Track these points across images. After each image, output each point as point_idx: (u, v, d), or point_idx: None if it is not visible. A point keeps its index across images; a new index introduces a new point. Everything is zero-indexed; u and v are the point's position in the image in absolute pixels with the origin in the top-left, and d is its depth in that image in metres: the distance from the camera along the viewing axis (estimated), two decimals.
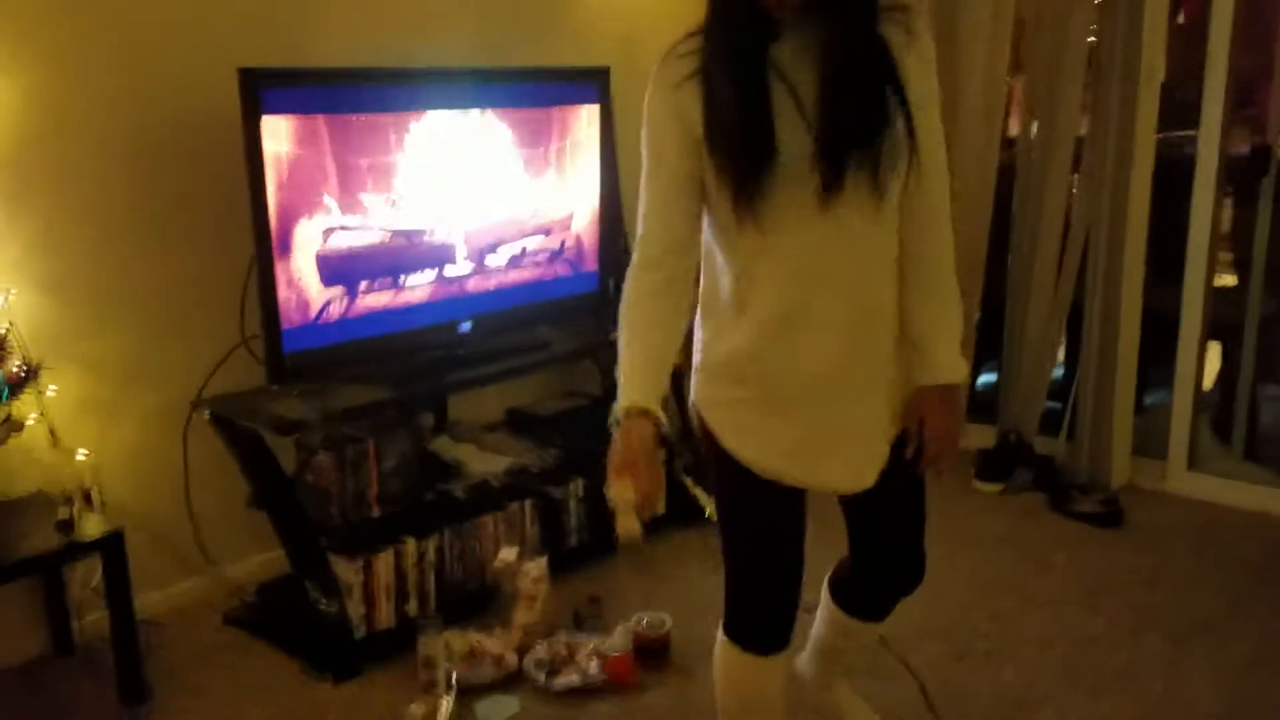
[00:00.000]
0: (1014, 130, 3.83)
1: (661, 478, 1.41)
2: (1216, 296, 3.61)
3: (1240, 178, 3.63)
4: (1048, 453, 3.74)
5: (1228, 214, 3.61)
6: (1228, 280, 3.79)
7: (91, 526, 2.39)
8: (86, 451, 2.53)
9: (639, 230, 1.60)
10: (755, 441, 1.64)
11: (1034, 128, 3.66)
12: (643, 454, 1.42)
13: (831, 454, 1.66)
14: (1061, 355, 3.88)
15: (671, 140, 1.51)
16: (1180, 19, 3.65)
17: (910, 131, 1.49)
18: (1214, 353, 3.85)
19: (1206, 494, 3.56)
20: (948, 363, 1.65)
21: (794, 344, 1.58)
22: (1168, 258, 3.54)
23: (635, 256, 1.61)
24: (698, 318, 1.69)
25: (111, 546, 2.37)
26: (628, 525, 1.42)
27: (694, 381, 1.72)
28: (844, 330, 1.58)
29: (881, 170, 1.48)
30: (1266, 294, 3.75)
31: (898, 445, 1.70)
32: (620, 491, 1.42)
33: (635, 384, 1.51)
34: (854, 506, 1.79)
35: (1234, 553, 3.18)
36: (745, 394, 1.63)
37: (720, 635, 1.81)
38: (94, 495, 2.49)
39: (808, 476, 1.66)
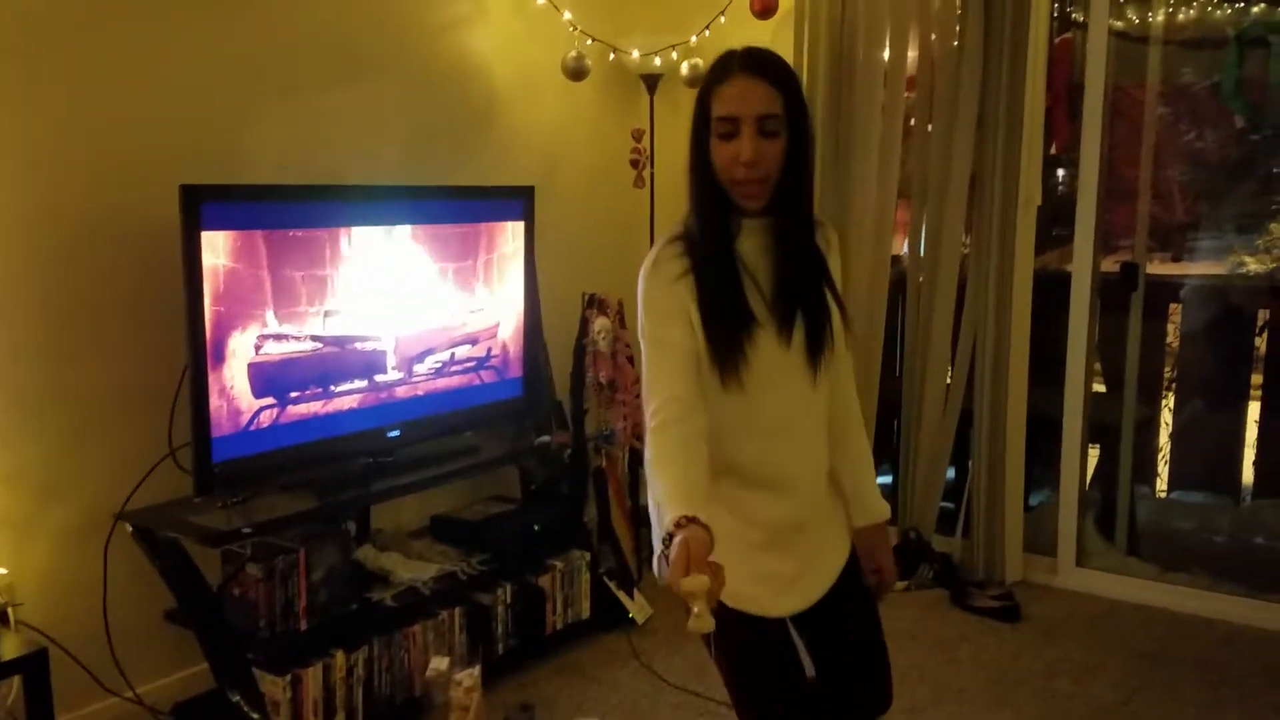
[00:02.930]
0: (903, 248, 4.09)
1: (723, 574, 1.45)
2: (1094, 403, 3.88)
3: (1111, 293, 3.93)
4: (945, 550, 3.92)
5: (1098, 327, 3.91)
6: (1098, 388, 4.08)
7: (10, 646, 2.30)
8: (4, 570, 2.45)
9: (652, 404, 1.73)
10: (741, 571, 1.70)
11: (922, 246, 3.92)
12: (703, 553, 1.45)
13: (803, 582, 1.84)
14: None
15: (676, 325, 1.75)
16: (1053, 149, 4.00)
17: (842, 316, 1.85)
18: (1092, 455, 4.12)
19: (1095, 588, 3.77)
20: (877, 504, 1.97)
21: (768, 490, 1.81)
22: (1048, 366, 3.81)
23: (654, 422, 1.71)
24: None
25: (34, 666, 2.28)
26: (704, 618, 1.44)
27: None
28: (805, 478, 1.85)
29: (824, 346, 1.80)
30: (1138, 401, 4.06)
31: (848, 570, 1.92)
32: (693, 584, 1.44)
33: (678, 500, 1.57)
34: (817, 632, 1.89)
35: (1126, 643, 3.37)
36: (729, 529, 1.71)
37: None
38: (10, 614, 2.41)
39: (779, 602, 1.81)
